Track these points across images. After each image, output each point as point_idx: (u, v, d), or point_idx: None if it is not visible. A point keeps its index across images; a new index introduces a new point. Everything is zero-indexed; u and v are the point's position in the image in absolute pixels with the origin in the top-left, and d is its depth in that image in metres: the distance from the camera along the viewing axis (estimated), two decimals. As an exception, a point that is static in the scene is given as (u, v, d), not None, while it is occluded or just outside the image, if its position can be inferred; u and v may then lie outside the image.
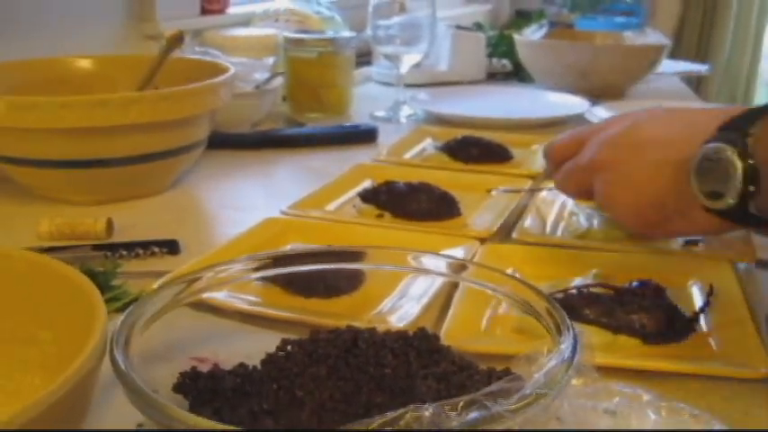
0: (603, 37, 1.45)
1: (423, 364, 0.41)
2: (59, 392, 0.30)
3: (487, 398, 0.33)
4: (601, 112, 1.22)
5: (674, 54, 2.51)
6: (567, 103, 1.30)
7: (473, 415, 0.32)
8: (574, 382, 0.39)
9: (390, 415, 0.32)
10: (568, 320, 0.41)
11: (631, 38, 1.46)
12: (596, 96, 1.34)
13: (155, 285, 0.56)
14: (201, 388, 0.41)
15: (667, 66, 1.67)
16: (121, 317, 0.41)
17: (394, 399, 0.39)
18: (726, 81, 3.66)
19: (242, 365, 0.43)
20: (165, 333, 0.44)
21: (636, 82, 1.46)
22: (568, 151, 0.66)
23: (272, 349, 0.43)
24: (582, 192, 0.65)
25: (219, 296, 0.49)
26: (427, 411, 0.31)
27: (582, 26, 1.47)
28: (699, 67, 2.10)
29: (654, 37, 1.51)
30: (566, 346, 0.38)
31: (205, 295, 0.48)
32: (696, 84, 3.05)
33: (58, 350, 0.43)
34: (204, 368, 0.42)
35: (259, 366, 0.43)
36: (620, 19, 1.51)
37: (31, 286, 0.44)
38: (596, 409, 0.40)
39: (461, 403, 0.32)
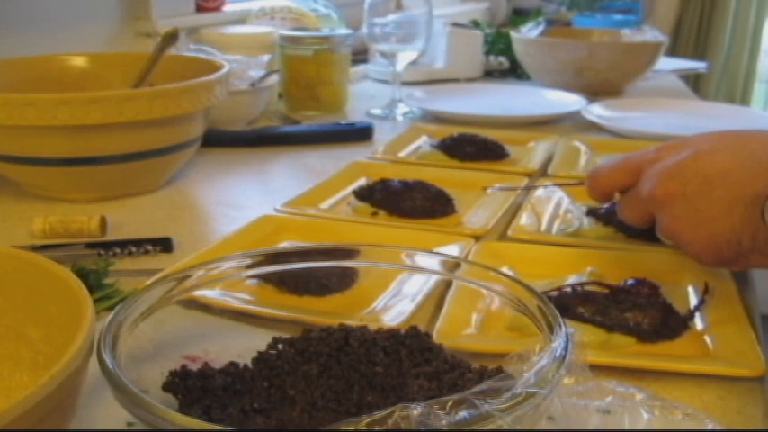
0: (600, 34, 1.45)
1: (414, 362, 0.41)
2: (44, 391, 0.30)
3: (477, 397, 0.32)
4: (598, 110, 1.22)
5: (672, 52, 2.52)
6: (564, 101, 1.29)
7: (462, 414, 0.31)
8: (566, 380, 0.38)
9: (379, 414, 0.32)
10: (561, 319, 0.41)
11: (629, 35, 1.46)
12: (594, 94, 1.34)
13: (146, 283, 0.56)
14: (191, 387, 0.41)
15: (665, 63, 1.67)
16: (110, 315, 0.41)
17: (385, 397, 0.39)
18: (724, 78, 3.66)
19: (233, 364, 0.43)
20: (155, 331, 0.44)
21: (633, 80, 1.46)
22: (619, 182, 0.63)
23: (264, 347, 0.43)
24: (648, 221, 0.62)
25: (211, 294, 0.49)
26: (415, 410, 0.31)
27: (579, 24, 1.48)
28: (697, 65, 2.10)
29: (651, 34, 1.50)
30: (557, 344, 0.38)
31: (196, 293, 0.48)
32: (694, 81, 3.05)
33: (47, 348, 0.42)
34: (195, 367, 0.42)
35: (250, 365, 0.43)
36: (617, 17, 1.51)
37: (20, 284, 0.43)
38: (588, 407, 0.39)
39: (450, 402, 0.32)
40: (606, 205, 0.73)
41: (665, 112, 1.26)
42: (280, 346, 0.43)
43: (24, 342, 0.43)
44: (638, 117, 1.22)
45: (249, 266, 0.50)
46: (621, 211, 0.64)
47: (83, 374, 0.35)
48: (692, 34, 3.59)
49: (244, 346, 0.44)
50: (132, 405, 0.34)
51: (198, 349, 0.46)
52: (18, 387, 0.43)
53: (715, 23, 3.58)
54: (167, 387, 0.41)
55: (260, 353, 0.43)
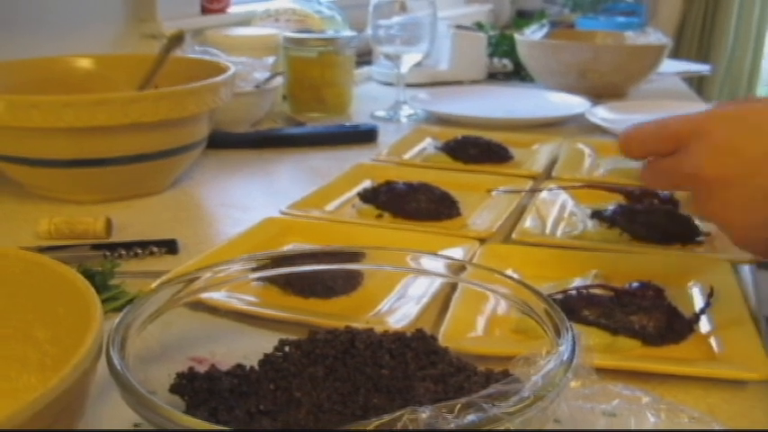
0: (604, 36, 1.45)
1: (420, 365, 0.41)
2: (54, 393, 0.30)
3: (485, 400, 0.32)
4: (602, 113, 1.22)
5: (676, 54, 2.51)
6: (568, 103, 1.29)
7: (470, 417, 0.31)
8: (572, 383, 0.38)
9: (387, 417, 0.32)
10: (567, 322, 0.41)
11: (632, 37, 1.46)
12: (597, 96, 1.34)
13: (153, 285, 0.56)
14: (198, 388, 0.41)
15: (669, 66, 1.67)
16: (118, 317, 0.41)
17: (391, 400, 0.39)
18: (727, 81, 3.66)
19: (239, 366, 0.43)
20: (162, 333, 0.44)
21: (637, 82, 1.46)
22: (655, 146, 0.58)
23: (270, 350, 0.43)
24: (675, 190, 0.58)
25: (217, 296, 0.49)
26: (424, 414, 0.31)
27: (583, 26, 1.47)
28: (700, 68, 2.10)
29: (655, 36, 1.50)
30: (564, 347, 0.38)
31: (203, 295, 0.48)
32: (697, 84, 3.05)
33: (55, 350, 0.42)
34: (202, 369, 0.42)
35: (256, 367, 0.43)
36: (621, 19, 1.51)
37: (28, 285, 0.44)
38: (595, 410, 0.39)
39: (458, 406, 0.32)
40: (611, 207, 0.73)
41: (668, 115, 1.26)
42: (286, 349, 0.43)
43: (32, 343, 0.43)
44: (641, 119, 1.21)
45: (255, 269, 0.50)
46: (648, 176, 0.59)
47: (92, 376, 0.35)
48: (696, 36, 3.59)
49: (250, 348, 0.45)
50: (139, 406, 0.34)
51: (205, 351, 0.46)
52: (25, 389, 0.43)
53: (718, 26, 3.58)
54: (174, 389, 0.41)
55: (266, 355, 0.43)
